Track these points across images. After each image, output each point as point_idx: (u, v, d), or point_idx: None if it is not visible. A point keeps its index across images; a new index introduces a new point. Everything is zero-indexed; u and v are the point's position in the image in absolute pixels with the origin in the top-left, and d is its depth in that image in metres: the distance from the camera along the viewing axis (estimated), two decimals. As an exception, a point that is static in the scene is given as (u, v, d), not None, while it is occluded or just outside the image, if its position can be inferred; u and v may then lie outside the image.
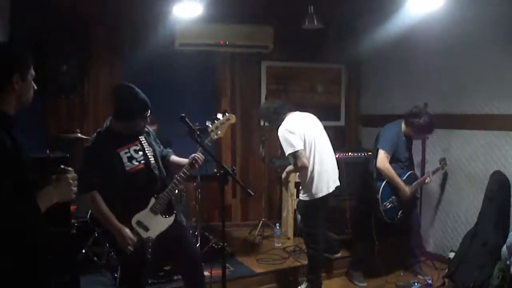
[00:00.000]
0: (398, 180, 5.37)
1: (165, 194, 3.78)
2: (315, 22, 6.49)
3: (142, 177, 3.74)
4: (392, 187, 5.40)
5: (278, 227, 6.70)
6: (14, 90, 2.35)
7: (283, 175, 5.34)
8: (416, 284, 5.39)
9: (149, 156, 3.81)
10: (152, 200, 3.76)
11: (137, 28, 6.61)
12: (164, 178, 3.90)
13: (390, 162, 5.40)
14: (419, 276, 5.68)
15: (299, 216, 6.19)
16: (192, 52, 6.85)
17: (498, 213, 5.28)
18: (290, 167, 5.16)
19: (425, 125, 5.38)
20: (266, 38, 7.04)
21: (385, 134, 5.55)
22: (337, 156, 6.18)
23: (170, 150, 4.20)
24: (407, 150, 5.62)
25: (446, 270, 5.57)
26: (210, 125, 4.01)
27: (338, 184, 5.14)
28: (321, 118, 7.72)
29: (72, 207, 5.13)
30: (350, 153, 6.57)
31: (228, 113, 4.10)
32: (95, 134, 3.81)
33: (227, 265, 4.20)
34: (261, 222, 6.87)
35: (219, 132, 3.97)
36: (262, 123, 6.89)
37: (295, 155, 4.85)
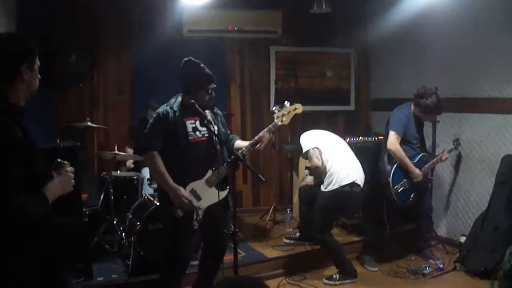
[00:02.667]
0: (407, 161, 5.37)
1: (222, 168, 3.92)
2: (324, 7, 6.45)
3: (203, 149, 3.92)
4: (403, 170, 5.40)
5: (289, 213, 6.71)
6: (23, 80, 2.36)
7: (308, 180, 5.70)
8: (427, 268, 5.38)
9: (213, 132, 3.94)
10: (209, 172, 3.91)
11: (145, 16, 6.60)
12: (225, 156, 4.05)
13: (402, 144, 5.40)
14: (430, 260, 5.66)
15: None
16: (201, 39, 6.84)
17: (509, 196, 5.27)
18: (309, 179, 5.63)
19: (432, 105, 5.35)
20: (275, 23, 7.02)
21: (395, 116, 5.55)
22: (347, 140, 6.21)
23: (236, 136, 4.33)
24: (418, 132, 5.59)
25: (457, 254, 5.57)
26: (276, 111, 4.17)
27: (362, 180, 5.23)
28: (331, 103, 7.81)
29: (84, 196, 5.16)
30: (360, 137, 6.55)
31: (295, 102, 4.24)
32: (166, 104, 4.00)
33: (238, 250, 4.22)
34: (272, 207, 6.87)
35: (284, 119, 4.11)
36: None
37: (308, 153, 5.23)
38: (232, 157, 3.79)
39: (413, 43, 6.73)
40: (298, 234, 6.04)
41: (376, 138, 6.48)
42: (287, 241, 6.00)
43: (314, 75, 7.74)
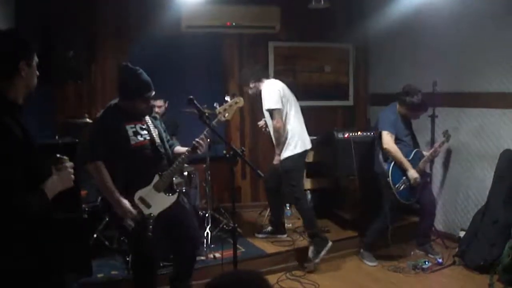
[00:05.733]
0: (404, 160, 5.39)
1: (169, 172, 3.85)
2: (322, 2, 6.44)
3: (146, 153, 3.81)
4: (401, 168, 5.40)
5: (288, 208, 6.70)
6: (21, 77, 2.36)
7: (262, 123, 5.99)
8: (426, 263, 5.39)
9: (154, 135, 3.87)
10: (156, 177, 3.82)
11: (144, 11, 6.56)
12: (170, 157, 3.98)
13: (395, 143, 5.43)
14: (429, 255, 5.68)
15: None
16: (199, 34, 6.82)
17: (508, 191, 5.28)
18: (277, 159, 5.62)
19: (417, 102, 5.42)
20: (273, 19, 6.99)
21: (383, 116, 5.64)
22: (346, 135, 6.20)
23: (176, 141, 4.28)
24: (407, 129, 5.64)
25: (457, 249, 5.58)
26: (218, 107, 4.08)
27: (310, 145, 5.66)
28: (329, 98, 7.80)
29: (83, 192, 5.16)
30: (359, 132, 6.54)
31: (236, 96, 4.20)
32: (104, 109, 3.88)
33: (238, 246, 4.22)
34: (271, 203, 6.85)
35: (226, 114, 4.03)
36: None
37: (276, 111, 5.45)
38: (231, 153, 3.72)
39: (412, 38, 6.71)
40: (270, 228, 6.09)
41: (375, 133, 6.47)
42: (259, 235, 6.06)
43: (312, 71, 7.73)
